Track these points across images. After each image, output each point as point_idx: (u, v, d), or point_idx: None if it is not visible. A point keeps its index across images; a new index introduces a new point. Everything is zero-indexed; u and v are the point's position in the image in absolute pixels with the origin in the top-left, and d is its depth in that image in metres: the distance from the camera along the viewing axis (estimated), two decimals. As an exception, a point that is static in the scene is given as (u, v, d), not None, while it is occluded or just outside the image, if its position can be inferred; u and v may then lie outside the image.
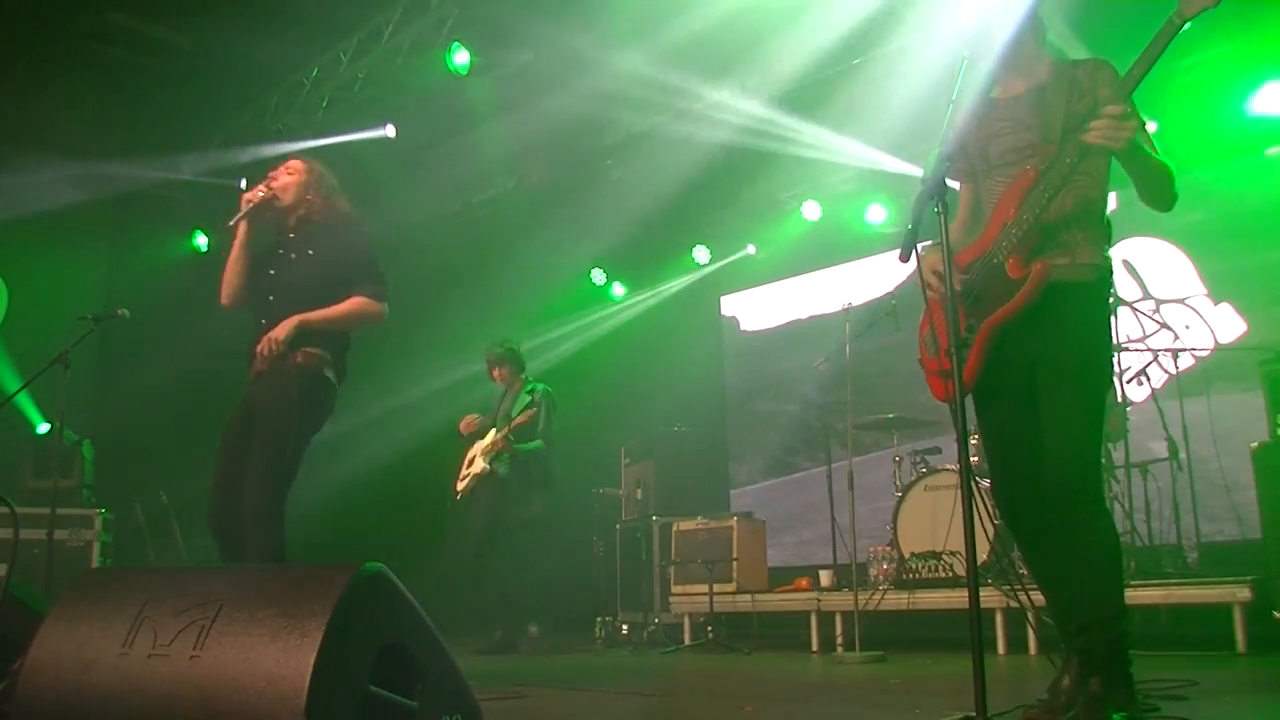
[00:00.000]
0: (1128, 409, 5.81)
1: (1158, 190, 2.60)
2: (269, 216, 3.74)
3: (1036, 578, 2.83)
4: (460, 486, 6.41)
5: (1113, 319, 2.59)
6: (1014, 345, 2.65)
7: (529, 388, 6.55)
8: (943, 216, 2.54)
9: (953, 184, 2.66)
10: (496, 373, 6.68)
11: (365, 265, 3.67)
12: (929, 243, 2.69)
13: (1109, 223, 2.71)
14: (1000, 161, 2.75)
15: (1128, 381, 5.78)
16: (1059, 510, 2.60)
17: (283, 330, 3.48)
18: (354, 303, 3.59)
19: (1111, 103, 2.45)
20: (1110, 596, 2.58)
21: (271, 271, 3.65)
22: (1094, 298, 2.65)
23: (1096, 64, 2.68)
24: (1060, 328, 2.60)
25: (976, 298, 2.70)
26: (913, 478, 6.18)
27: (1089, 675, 2.55)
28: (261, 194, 3.68)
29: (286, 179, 3.74)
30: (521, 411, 6.29)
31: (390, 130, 8.27)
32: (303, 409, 3.48)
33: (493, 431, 6.37)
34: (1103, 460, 5.46)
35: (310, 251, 3.61)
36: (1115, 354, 5.59)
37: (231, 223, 3.65)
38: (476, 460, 6.35)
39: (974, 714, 2.37)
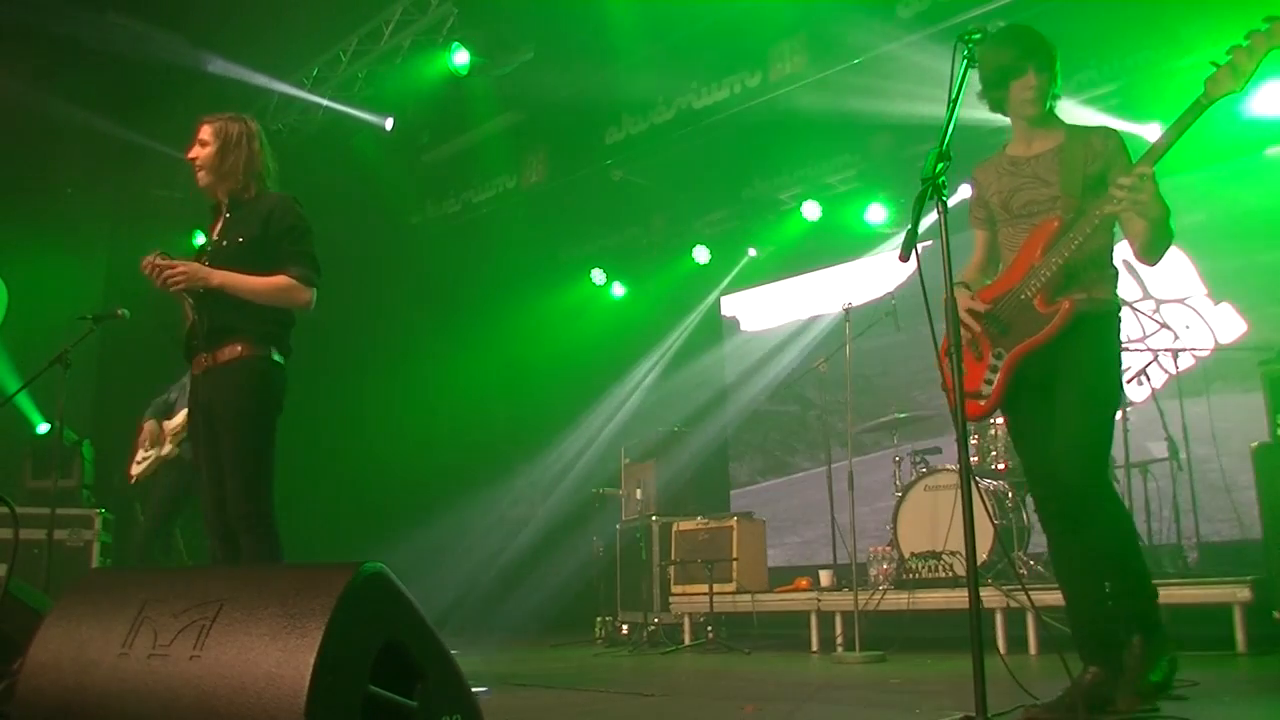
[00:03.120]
0: (1128, 409, 5.82)
1: (1154, 247, 2.95)
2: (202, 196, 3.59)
3: (1060, 579, 3.06)
4: (136, 470, 5.76)
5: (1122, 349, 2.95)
6: (1036, 367, 2.97)
7: None
8: (942, 216, 2.56)
9: (967, 190, 2.72)
10: None
11: (295, 245, 3.46)
12: (960, 282, 3.06)
13: (1115, 266, 3.06)
14: (1022, 212, 3.06)
15: (1128, 381, 5.78)
16: (1072, 501, 2.87)
17: (200, 273, 3.32)
18: (280, 280, 3.40)
19: (1131, 172, 2.79)
20: (1129, 558, 2.87)
21: (206, 262, 3.46)
22: (1106, 328, 3.00)
23: (1107, 132, 3.05)
24: (1077, 351, 2.92)
25: (1004, 328, 3.01)
26: (913, 478, 6.18)
27: (1130, 635, 2.83)
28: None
29: (199, 151, 3.51)
30: None
31: (389, 123, 8.27)
32: (262, 404, 3.37)
33: (183, 414, 5.64)
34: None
35: (240, 239, 3.44)
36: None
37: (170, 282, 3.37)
38: (163, 443, 5.70)
39: (974, 714, 2.37)
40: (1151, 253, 2.95)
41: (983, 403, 3.03)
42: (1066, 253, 2.90)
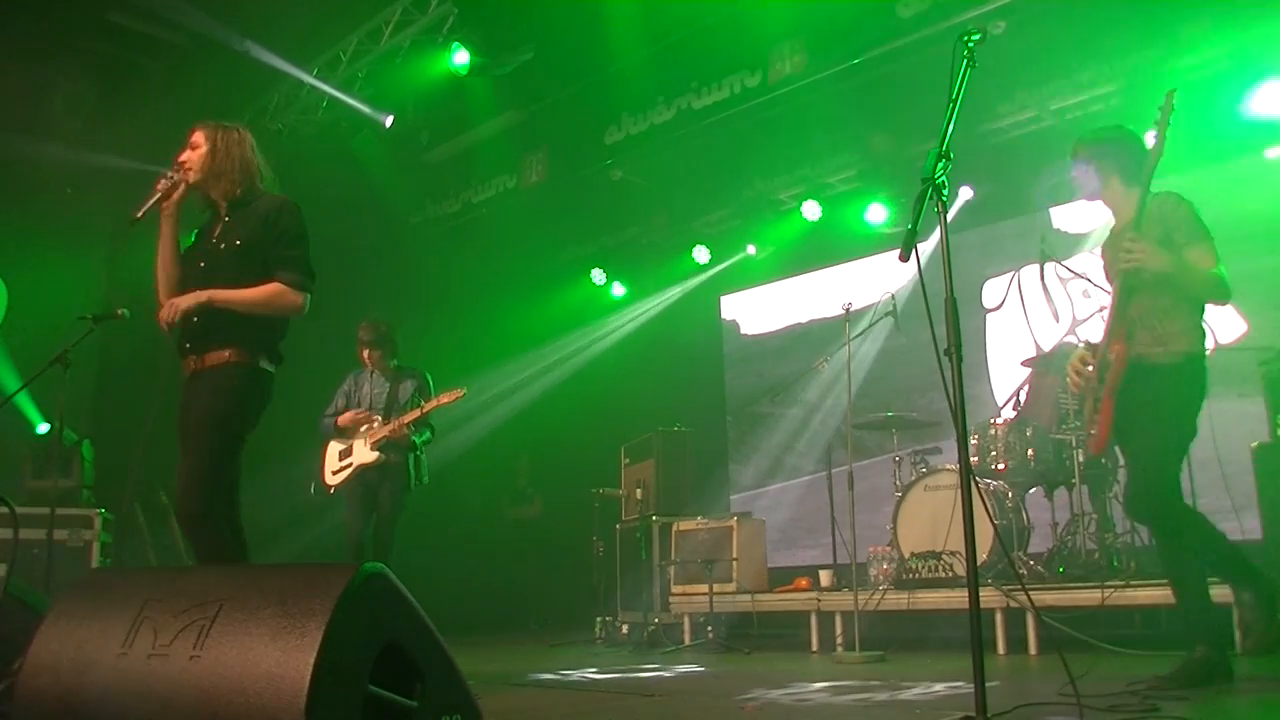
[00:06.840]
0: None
1: (1193, 292, 3.46)
2: (197, 197, 3.54)
3: (1167, 575, 3.65)
4: (337, 480, 5.65)
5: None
6: (1119, 410, 3.51)
7: (424, 375, 5.85)
8: (942, 215, 2.57)
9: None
10: (368, 353, 5.80)
11: (290, 250, 3.45)
12: (1083, 345, 3.73)
13: (1202, 327, 3.51)
14: (1116, 275, 3.61)
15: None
16: (1150, 518, 3.57)
17: (188, 300, 3.33)
18: (271, 288, 3.38)
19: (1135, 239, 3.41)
20: (1214, 542, 3.47)
21: (202, 264, 3.47)
22: (1178, 377, 3.45)
23: (1163, 197, 3.55)
24: (1138, 399, 3.45)
25: (1101, 378, 3.59)
26: (913, 478, 6.18)
27: (1243, 590, 3.51)
28: (167, 180, 3.48)
29: (190, 154, 3.52)
30: (423, 400, 5.62)
31: (388, 120, 8.26)
32: (234, 409, 3.34)
33: (376, 421, 5.62)
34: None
35: (238, 241, 3.44)
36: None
37: (138, 215, 3.43)
38: (362, 450, 5.58)
39: (974, 714, 2.37)
40: (1197, 298, 3.47)
41: (1094, 439, 3.67)
42: (1126, 312, 3.48)
